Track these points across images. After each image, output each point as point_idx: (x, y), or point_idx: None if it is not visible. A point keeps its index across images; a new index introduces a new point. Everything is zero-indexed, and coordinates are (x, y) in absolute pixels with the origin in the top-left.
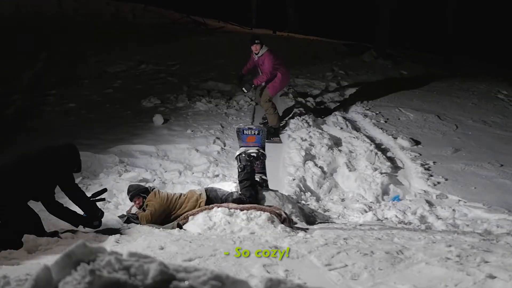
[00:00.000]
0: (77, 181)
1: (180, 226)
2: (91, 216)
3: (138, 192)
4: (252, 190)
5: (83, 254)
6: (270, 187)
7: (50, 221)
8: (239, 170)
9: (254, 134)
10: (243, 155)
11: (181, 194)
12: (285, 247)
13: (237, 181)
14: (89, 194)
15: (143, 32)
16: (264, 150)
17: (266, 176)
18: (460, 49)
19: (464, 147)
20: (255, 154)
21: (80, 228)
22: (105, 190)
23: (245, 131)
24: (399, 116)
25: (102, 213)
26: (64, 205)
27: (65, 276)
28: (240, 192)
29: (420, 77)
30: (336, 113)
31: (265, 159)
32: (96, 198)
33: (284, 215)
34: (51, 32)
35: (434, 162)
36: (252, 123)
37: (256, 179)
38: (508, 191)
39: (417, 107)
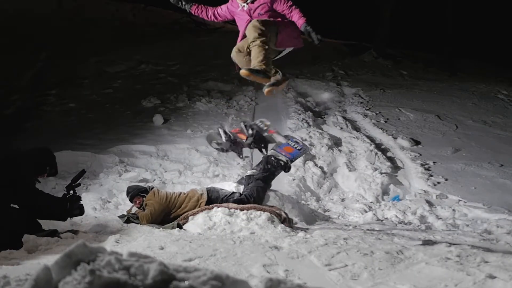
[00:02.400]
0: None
1: (180, 226)
2: (65, 211)
3: (137, 193)
4: (262, 193)
5: (83, 254)
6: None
7: (50, 220)
8: (261, 170)
9: (295, 148)
10: (273, 158)
11: (181, 192)
12: (285, 247)
13: (237, 181)
14: (90, 195)
15: (143, 32)
16: (291, 163)
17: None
18: (460, 49)
19: (464, 147)
20: (282, 163)
21: (80, 228)
22: (83, 171)
23: (290, 141)
24: (399, 116)
25: (73, 199)
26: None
27: (65, 276)
28: (241, 192)
29: (420, 77)
30: (336, 113)
31: (287, 171)
32: (74, 184)
33: (284, 215)
34: (51, 32)
35: (434, 162)
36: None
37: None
38: (508, 191)
39: (417, 107)
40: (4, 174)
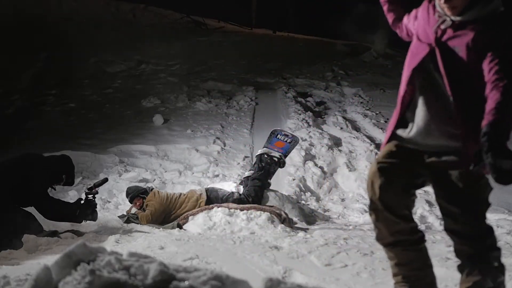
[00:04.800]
0: (77, 181)
1: (180, 226)
2: (74, 217)
3: (137, 194)
4: (259, 192)
5: (83, 254)
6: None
7: (50, 221)
8: (256, 170)
9: (286, 141)
10: (265, 156)
11: (181, 193)
12: (285, 247)
13: (237, 181)
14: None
15: (143, 32)
16: (285, 158)
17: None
18: None
19: None
20: (276, 159)
21: (81, 228)
22: (106, 179)
23: (279, 135)
24: None
25: (86, 205)
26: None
27: (65, 276)
28: (241, 192)
29: None
30: (336, 113)
31: (282, 167)
32: (92, 190)
33: (284, 215)
34: (51, 32)
35: None
36: (252, 123)
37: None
38: (508, 191)
39: None
40: (16, 175)
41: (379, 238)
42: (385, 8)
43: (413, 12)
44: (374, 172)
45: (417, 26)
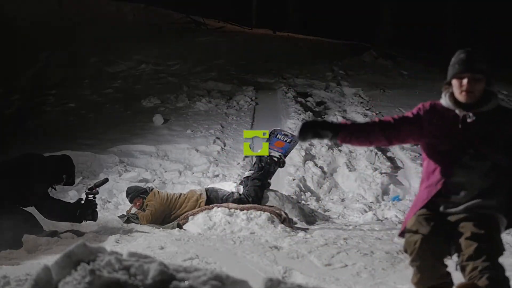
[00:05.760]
0: (77, 181)
1: (180, 226)
2: (74, 217)
3: (137, 194)
4: (259, 192)
5: (83, 254)
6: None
7: (50, 221)
8: (256, 169)
9: (285, 141)
10: (265, 156)
11: (181, 194)
12: (285, 247)
13: (237, 181)
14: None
15: (143, 32)
16: (285, 158)
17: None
18: (460, 48)
19: None
20: (276, 159)
21: (81, 228)
22: (106, 180)
23: (278, 135)
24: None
25: (86, 205)
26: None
27: (65, 276)
28: (241, 192)
29: (420, 77)
30: (336, 113)
31: (282, 167)
32: (93, 190)
33: (284, 215)
34: (51, 32)
35: None
36: (252, 123)
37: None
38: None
39: None
40: (17, 175)
41: (419, 283)
42: (377, 139)
43: (415, 117)
44: (415, 222)
45: (433, 129)
